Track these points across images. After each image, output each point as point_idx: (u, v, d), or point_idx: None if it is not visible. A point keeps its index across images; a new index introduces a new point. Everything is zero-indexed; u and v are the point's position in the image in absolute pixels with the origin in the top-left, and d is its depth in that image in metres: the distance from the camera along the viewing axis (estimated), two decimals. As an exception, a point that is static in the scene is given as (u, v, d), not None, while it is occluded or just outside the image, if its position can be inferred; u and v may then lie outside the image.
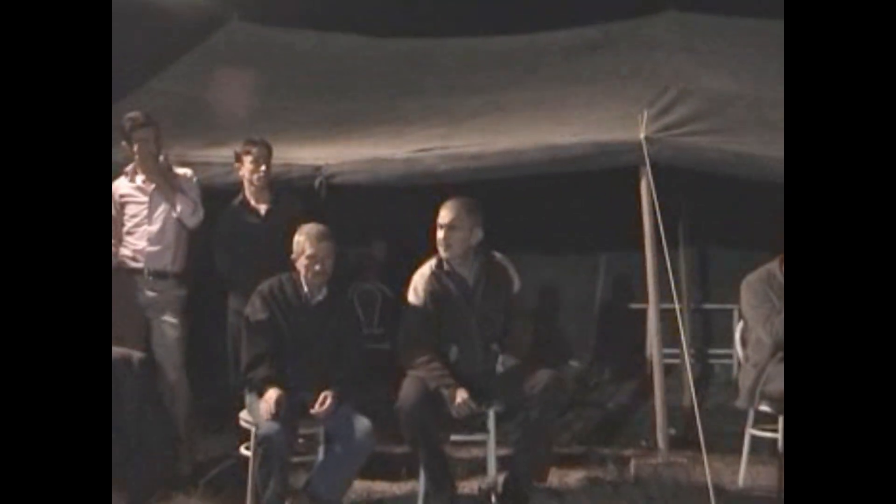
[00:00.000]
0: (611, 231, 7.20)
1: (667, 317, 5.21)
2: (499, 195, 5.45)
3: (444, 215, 4.60)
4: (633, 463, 5.06)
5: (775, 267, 4.92)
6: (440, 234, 4.57)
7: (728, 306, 7.33)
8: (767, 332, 4.76)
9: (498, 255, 4.70)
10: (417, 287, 4.62)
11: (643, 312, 7.33)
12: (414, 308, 4.59)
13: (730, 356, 7.45)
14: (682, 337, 4.89)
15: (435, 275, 4.62)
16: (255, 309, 4.49)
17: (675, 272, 4.88)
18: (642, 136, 4.94)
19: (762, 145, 5.08)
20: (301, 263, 4.49)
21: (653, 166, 4.86)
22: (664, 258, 4.76)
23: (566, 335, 8.19)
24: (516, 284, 4.64)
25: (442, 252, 4.59)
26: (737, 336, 5.20)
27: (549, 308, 8.17)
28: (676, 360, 6.41)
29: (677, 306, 4.91)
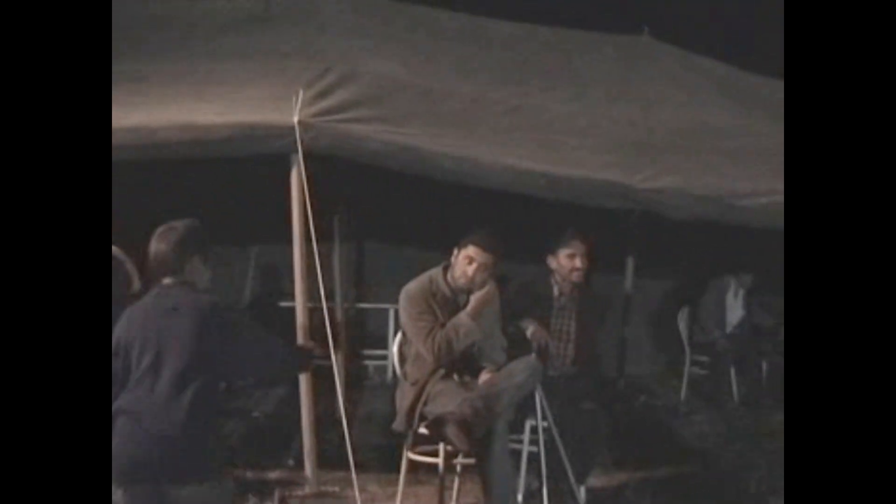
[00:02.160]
0: (262, 222, 6.51)
1: (320, 316, 4.64)
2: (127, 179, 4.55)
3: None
4: (276, 495, 4.49)
5: (438, 274, 4.48)
6: None
7: (384, 305, 6.92)
8: (429, 349, 4.34)
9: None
10: None
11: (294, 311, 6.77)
12: None
13: (385, 357, 7.07)
14: (330, 339, 4.38)
15: None
16: None
17: (328, 268, 4.66)
18: (295, 119, 4.42)
19: (430, 138, 4.71)
20: None
21: (307, 154, 4.40)
22: (314, 253, 4.31)
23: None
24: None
25: None
26: (394, 350, 4.67)
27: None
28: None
29: (325, 305, 4.43)
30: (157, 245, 3.27)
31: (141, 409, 3.09)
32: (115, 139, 4.33)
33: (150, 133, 4.41)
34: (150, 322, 3.19)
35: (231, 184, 6.10)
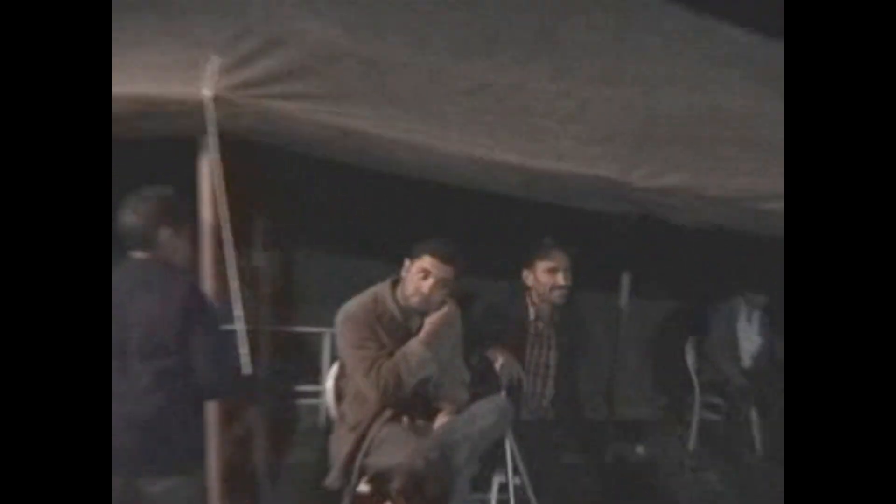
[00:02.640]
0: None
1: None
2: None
3: None
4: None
5: (385, 291, 4.49)
6: None
7: (317, 329, 6.98)
8: (372, 384, 4.36)
9: None
10: None
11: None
12: None
13: (317, 394, 7.03)
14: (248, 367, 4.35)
15: None
16: None
17: (248, 282, 4.59)
18: (207, 93, 4.37)
19: (377, 121, 4.68)
20: None
21: (223, 138, 4.36)
22: (231, 263, 4.35)
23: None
24: None
25: None
26: (329, 385, 4.63)
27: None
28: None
29: (242, 327, 4.37)
30: (122, 215, 3.75)
31: (115, 393, 3.50)
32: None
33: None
34: (115, 299, 3.57)
35: (124, 172, 6.03)
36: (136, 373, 3.58)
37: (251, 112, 4.48)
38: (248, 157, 4.58)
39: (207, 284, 4.49)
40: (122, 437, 3.48)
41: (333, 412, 4.61)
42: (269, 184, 5.56)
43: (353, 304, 4.45)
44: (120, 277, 3.66)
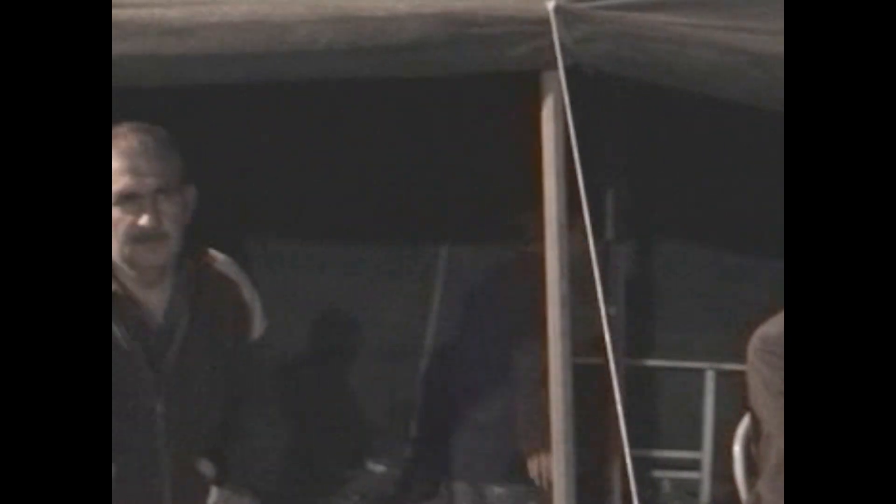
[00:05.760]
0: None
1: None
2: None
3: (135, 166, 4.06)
4: None
5: None
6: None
7: (696, 364, 6.99)
8: None
9: (220, 257, 4.31)
10: None
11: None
12: None
13: (695, 464, 7.13)
14: (623, 433, 4.64)
15: None
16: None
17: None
18: (550, 5, 4.50)
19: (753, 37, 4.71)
20: None
21: (570, 71, 4.51)
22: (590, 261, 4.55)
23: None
24: (258, 321, 4.34)
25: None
26: (736, 449, 4.79)
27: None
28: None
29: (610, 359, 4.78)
30: None
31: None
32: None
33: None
34: None
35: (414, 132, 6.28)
36: None
37: (613, 32, 4.59)
38: (608, 100, 4.78)
39: (554, 296, 4.69)
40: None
41: (741, 491, 4.69)
42: (633, 139, 5.66)
43: (779, 327, 4.46)
44: None
